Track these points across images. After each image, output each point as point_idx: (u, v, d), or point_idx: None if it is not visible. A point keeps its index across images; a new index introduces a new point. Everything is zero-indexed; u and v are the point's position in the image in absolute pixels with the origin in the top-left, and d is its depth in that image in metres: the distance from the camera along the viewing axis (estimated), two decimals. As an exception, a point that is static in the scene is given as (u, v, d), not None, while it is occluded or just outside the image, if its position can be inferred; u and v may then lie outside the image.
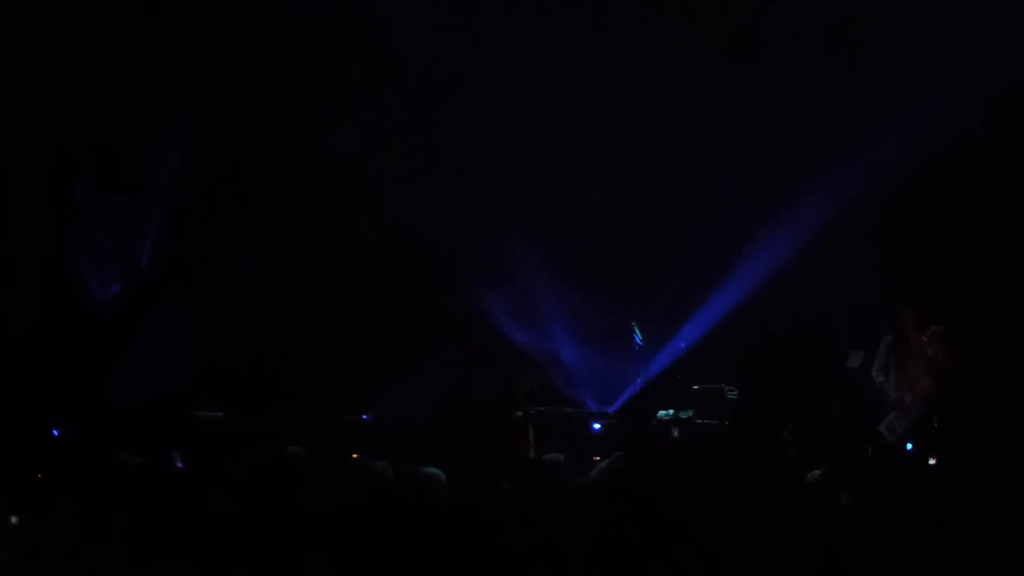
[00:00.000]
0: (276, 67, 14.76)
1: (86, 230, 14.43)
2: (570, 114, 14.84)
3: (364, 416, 14.12)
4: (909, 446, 12.55)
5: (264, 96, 14.87)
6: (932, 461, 10.31)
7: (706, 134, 14.31)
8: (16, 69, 14.10)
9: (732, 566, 5.74)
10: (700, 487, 6.19)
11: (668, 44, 14.26)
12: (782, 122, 14.20)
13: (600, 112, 14.87)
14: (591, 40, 14.59)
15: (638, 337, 13.99)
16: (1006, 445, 9.30)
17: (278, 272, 14.55)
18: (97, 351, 13.64)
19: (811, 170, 14.19)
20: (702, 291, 14.51)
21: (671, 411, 13.67)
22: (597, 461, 8.47)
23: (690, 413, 13.65)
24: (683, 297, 14.52)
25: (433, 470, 7.36)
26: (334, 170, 14.83)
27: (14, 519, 6.51)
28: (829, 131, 14.04)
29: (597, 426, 13.52)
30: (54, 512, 6.84)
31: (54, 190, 14.34)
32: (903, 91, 13.82)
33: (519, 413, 13.53)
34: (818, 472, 7.43)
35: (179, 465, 7.69)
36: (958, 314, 13.25)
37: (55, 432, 12.64)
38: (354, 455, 12.99)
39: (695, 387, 13.80)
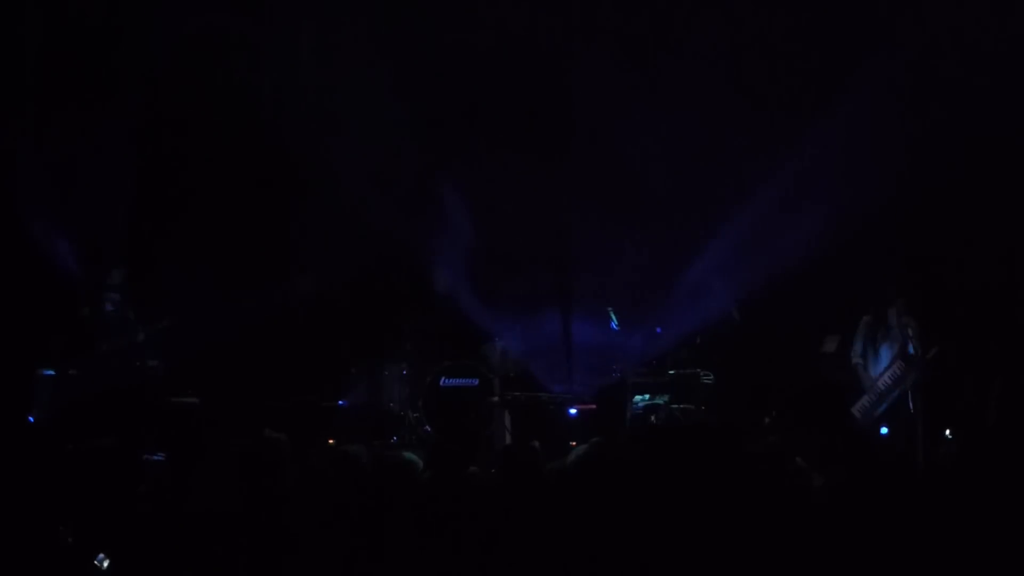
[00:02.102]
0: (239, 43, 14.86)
1: (61, 217, 14.36)
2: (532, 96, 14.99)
3: (340, 402, 14.12)
4: (884, 430, 12.62)
5: (226, 79, 14.92)
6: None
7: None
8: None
9: (712, 553, 5.76)
10: (678, 473, 6.21)
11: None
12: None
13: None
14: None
15: (614, 322, 14.01)
16: (979, 430, 9.35)
17: (252, 258, 14.57)
18: (72, 337, 13.59)
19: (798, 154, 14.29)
20: (679, 274, 14.55)
21: (647, 396, 13.69)
22: (574, 447, 8.49)
23: (666, 398, 13.67)
24: (660, 281, 14.56)
25: (410, 455, 7.37)
26: (302, 160, 14.91)
27: None
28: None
29: (573, 411, 13.54)
30: (31, 500, 6.83)
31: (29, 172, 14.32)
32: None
33: (495, 398, 13.54)
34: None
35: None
36: (938, 302, 13.35)
37: (31, 419, 12.63)
38: (330, 440, 13.01)
39: (671, 372, 13.82)
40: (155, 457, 9.27)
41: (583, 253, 14.80)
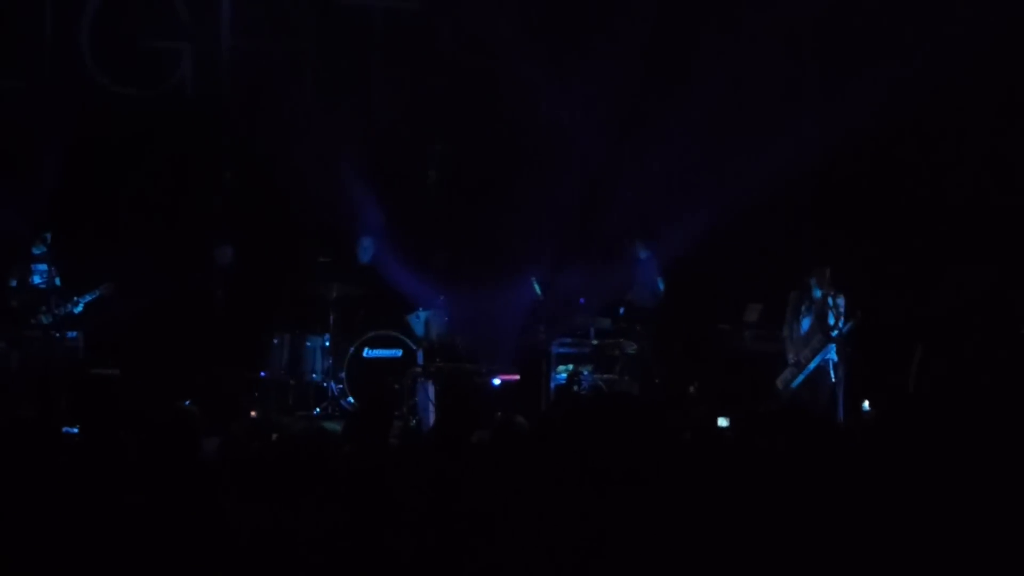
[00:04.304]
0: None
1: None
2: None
3: (262, 374, 14.02)
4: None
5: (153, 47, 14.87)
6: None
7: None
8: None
9: (639, 524, 5.76)
10: (603, 442, 6.21)
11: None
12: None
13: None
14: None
15: (537, 290, 13.97)
16: (898, 398, 9.45)
17: (175, 230, 14.47)
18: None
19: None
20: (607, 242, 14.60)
21: (570, 366, 13.71)
22: (498, 416, 8.48)
23: (589, 368, 13.69)
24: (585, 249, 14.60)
25: (331, 426, 7.35)
26: (225, 132, 14.88)
27: None
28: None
29: (497, 382, 13.52)
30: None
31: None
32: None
33: (418, 369, 13.50)
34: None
35: None
36: (860, 271, 13.47)
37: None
38: (252, 412, 12.94)
39: (595, 342, 13.83)
40: (72, 430, 9.17)
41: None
